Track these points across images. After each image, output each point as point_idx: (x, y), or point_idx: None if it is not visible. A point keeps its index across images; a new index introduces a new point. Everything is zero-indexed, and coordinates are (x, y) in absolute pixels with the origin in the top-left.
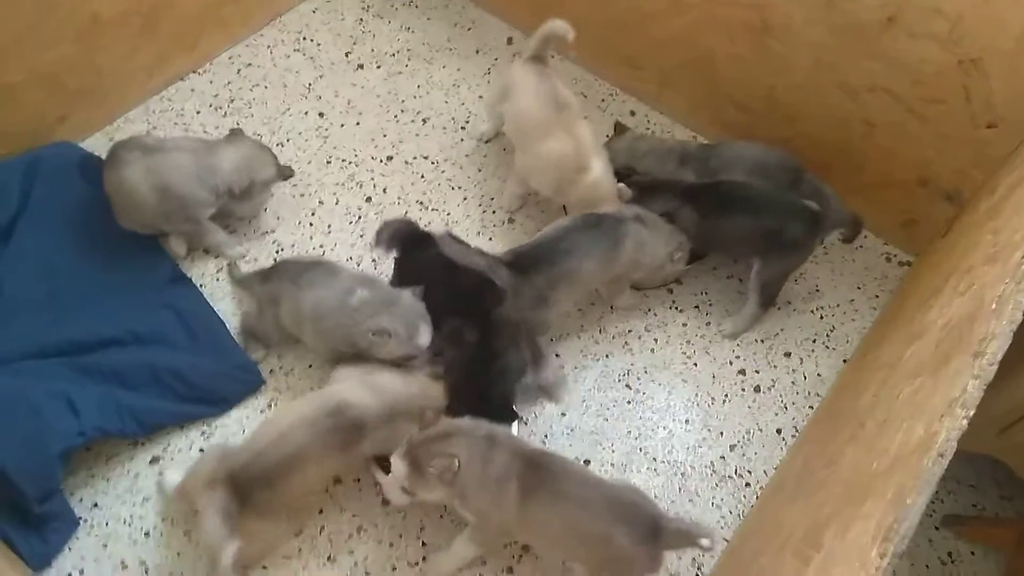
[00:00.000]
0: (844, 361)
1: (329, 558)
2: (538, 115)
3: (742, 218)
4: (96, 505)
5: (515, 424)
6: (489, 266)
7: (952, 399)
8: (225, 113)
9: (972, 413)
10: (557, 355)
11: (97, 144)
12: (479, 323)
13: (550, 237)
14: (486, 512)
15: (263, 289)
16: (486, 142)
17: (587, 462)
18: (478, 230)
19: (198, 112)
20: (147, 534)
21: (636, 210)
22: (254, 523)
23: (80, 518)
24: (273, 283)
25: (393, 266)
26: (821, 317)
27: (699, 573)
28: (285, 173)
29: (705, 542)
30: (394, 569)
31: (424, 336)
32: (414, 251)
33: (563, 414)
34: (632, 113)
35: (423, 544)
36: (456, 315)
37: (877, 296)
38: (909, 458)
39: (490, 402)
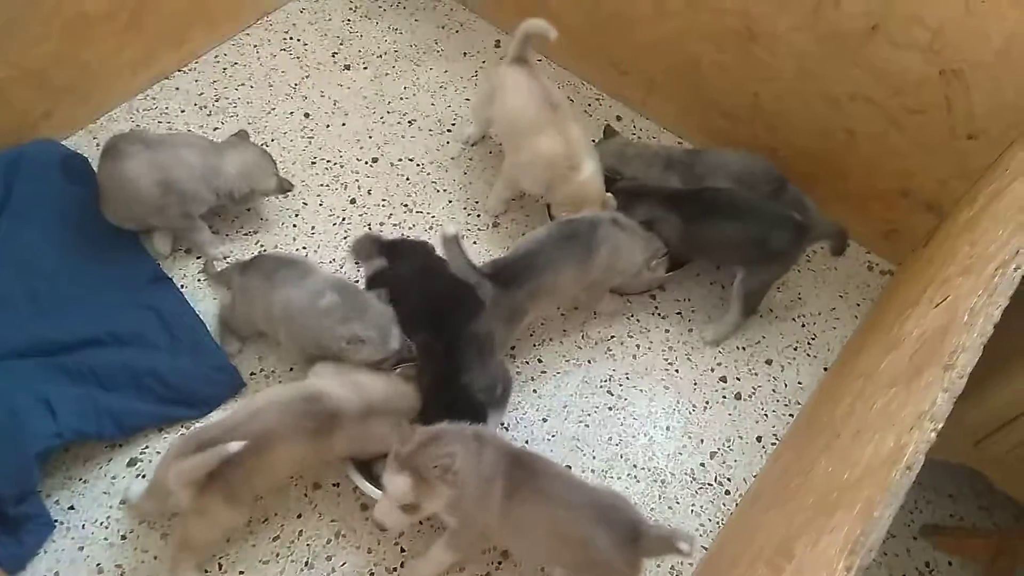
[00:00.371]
0: (825, 369)
1: (307, 564)
2: (531, 114)
3: (727, 225)
4: (72, 507)
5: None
6: (477, 281)
7: (922, 412)
8: (210, 112)
9: (941, 426)
10: (540, 360)
11: (80, 143)
12: (448, 336)
13: (527, 251)
14: (472, 514)
15: (239, 281)
16: (472, 145)
17: (568, 468)
18: (463, 233)
19: (182, 111)
20: (124, 537)
21: (611, 214)
22: (215, 502)
23: (56, 520)
24: (248, 276)
25: (370, 272)
26: (803, 325)
27: None
28: (284, 187)
29: (684, 546)
30: (372, 575)
31: (395, 340)
32: (401, 259)
33: (544, 419)
34: (618, 118)
35: (401, 550)
36: (429, 324)
37: (859, 305)
38: (879, 470)
39: (456, 413)
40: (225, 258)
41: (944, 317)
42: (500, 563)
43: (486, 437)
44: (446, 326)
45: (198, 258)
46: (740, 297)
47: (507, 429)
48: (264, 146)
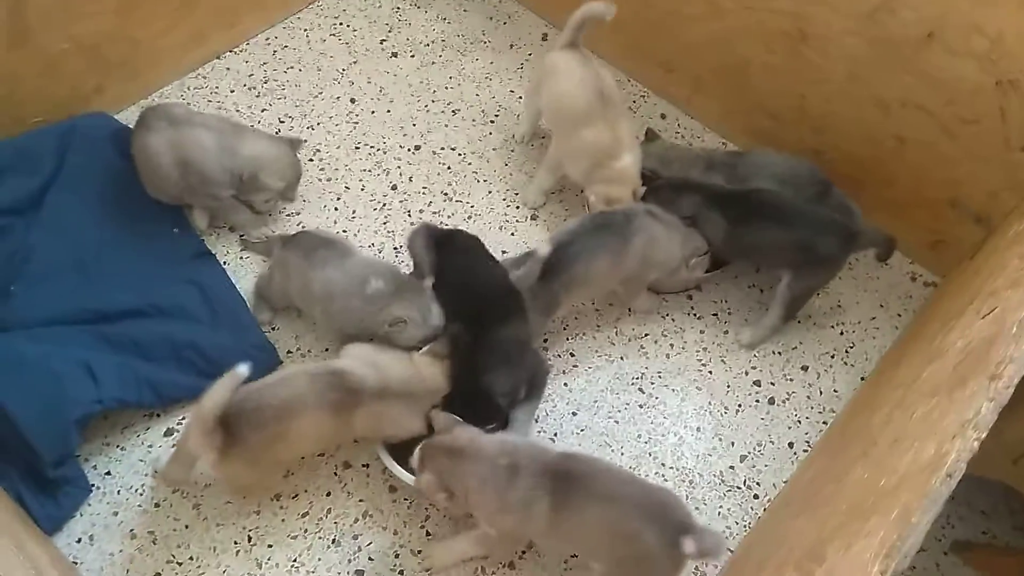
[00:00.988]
0: (862, 379)
1: (334, 541)
2: (581, 103)
3: (774, 229)
4: (109, 473)
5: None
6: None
7: (965, 420)
8: (259, 93)
9: (985, 435)
10: (572, 354)
11: (131, 118)
12: (477, 334)
13: (560, 242)
14: (510, 530)
15: (280, 255)
16: (523, 142)
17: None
18: (500, 224)
19: (232, 91)
20: (157, 505)
21: (647, 205)
22: (237, 466)
23: (93, 485)
24: (288, 251)
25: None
26: (841, 333)
27: None
28: (287, 195)
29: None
30: (397, 556)
31: (436, 318)
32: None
33: (574, 414)
34: (663, 116)
35: (427, 533)
36: (463, 318)
37: (899, 315)
38: (917, 477)
39: (475, 410)
40: (266, 239)
41: (991, 328)
42: (524, 552)
43: (521, 463)
44: (477, 324)
45: (241, 236)
46: (783, 302)
47: (536, 421)
48: (309, 129)
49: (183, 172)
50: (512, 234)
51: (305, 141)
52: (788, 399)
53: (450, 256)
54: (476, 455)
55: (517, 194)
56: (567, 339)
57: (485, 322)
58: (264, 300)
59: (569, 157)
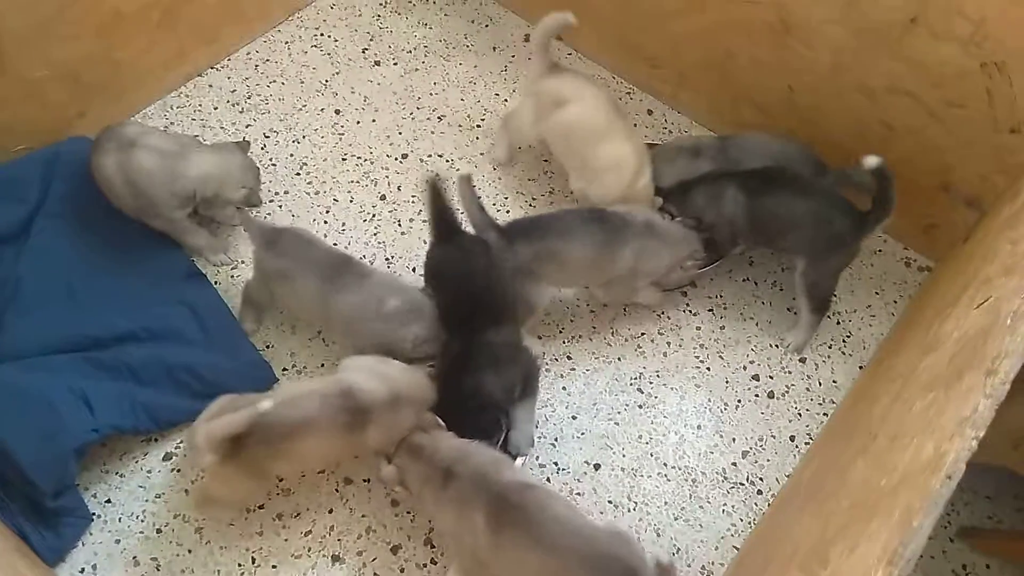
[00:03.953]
0: (860, 368)
1: (338, 558)
2: (600, 118)
3: (793, 199)
4: (109, 501)
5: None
6: (483, 223)
7: (963, 418)
8: (242, 109)
9: (983, 433)
10: (569, 357)
11: None
12: (467, 337)
13: (548, 216)
14: (456, 533)
15: (271, 261)
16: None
17: (597, 467)
18: None
19: (215, 108)
20: (159, 531)
21: (648, 216)
22: (237, 473)
23: (93, 514)
24: (286, 260)
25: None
26: (838, 322)
27: None
28: (251, 201)
29: None
30: (402, 571)
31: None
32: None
33: (574, 417)
34: (649, 112)
35: (431, 547)
36: (454, 323)
37: (895, 302)
38: (917, 477)
39: (468, 416)
40: (228, 265)
41: (985, 319)
42: None
43: (459, 471)
44: (467, 328)
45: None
46: (804, 292)
47: (536, 427)
48: (295, 142)
49: (133, 194)
50: None
51: (250, 143)
52: (787, 392)
53: (454, 257)
54: (426, 456)
55: (507, 198)
56: (563, 342)
57: (474, 326)
58: (251, 306)
59: (596, 182)
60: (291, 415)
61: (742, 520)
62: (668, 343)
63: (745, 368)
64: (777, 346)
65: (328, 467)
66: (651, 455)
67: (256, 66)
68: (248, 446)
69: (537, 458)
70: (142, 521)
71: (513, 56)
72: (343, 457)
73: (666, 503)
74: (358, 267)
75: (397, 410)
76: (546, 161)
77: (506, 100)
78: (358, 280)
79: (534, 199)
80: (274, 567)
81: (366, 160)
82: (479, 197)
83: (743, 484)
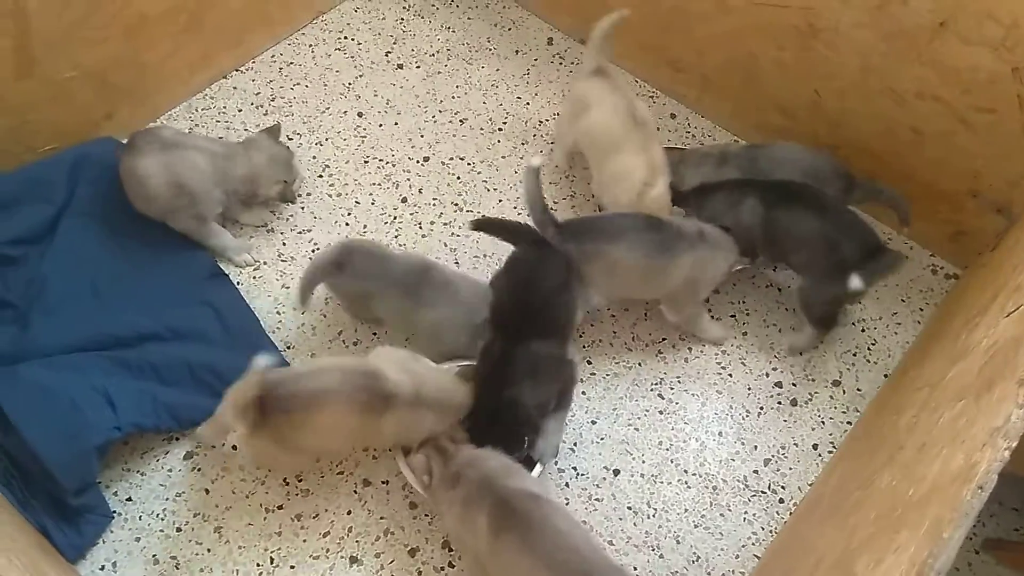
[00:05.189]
0: (885, 376)
1: (355, 559)
2: (616, 128)
3: (808, 218)
4: (130, 499)
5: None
6: (544, 219)
7: (995, 428)
8: (266, 112)
9: (1015, 444)
10: (589, 361)
11: None
12: (509, 345)
13: (601, 217)
14: (460, 533)
15: (348, 284)
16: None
17: (616, 472)
18: None
19: (239, 110)
20: (179, 529)
21: (699, 226)
22: (266, 442)
23: (114, 511)
24: (364, 282)
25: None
26: (863, 330)
27: None
28: (286, 197)
29: None
30: (419, 574)
31: None
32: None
33: (593, 422)
34: (672, 116)
35: (449, 551)
36: (500, 329)
37: (921, 310)
38: (947, 488)
39: (496, 427)
40: (253, 266)
41: (1017, 328)
42: None
43: (468, 475)
44: (513, 335)
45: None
46: (800, 308)
47: (555, 463)
48: (318, 145)
49: (176, 193)
50: None
51: (280, 125)
52: (811, 400)
53: (521, 263)
54: (447, 457)
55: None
56: (583, 346)
57: (519, 335)
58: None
59: (606, 189)
60: (309, 385)
61: (763, 529)
62: (689, 349)
63: (767, 375)
64: (800, 353)
65: (347, 450)
66: (671, 461)
67: (280, 69)
68: (271, 415)
69: (556, 463)
70: (162, 519)
71: (536, 60)
72: (359, 441)
73: (686, 510)
74: (439, 274)
75: (417, 408)
76: (570, 166)
77: (528, 104)
78: (441, 291)
79: (555, 203)
80: (292, 567)
81: (388, 163)
82: (541, 191)
83: (764, 492)
